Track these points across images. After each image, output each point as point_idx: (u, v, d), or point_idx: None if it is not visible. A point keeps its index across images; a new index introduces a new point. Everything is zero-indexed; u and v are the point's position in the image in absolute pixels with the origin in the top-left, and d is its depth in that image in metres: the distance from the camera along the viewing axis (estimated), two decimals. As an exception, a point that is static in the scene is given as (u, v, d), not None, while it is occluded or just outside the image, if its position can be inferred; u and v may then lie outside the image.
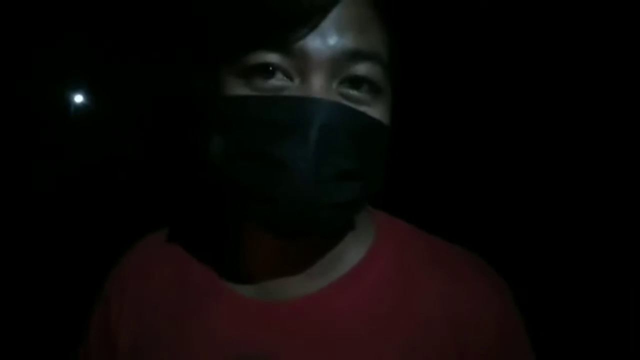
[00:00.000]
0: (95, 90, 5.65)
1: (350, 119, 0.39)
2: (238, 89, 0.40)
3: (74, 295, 3.50)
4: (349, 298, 0.46)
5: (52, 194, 5.50)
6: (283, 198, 0.38)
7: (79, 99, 5.76)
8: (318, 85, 0.38)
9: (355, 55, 0.39)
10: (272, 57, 0.39)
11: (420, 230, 0.52)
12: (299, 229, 0.41)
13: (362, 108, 0.41)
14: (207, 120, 0.44)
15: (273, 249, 0.47)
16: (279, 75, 0.40)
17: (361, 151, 0.40)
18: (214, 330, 0.47)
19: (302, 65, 0.39)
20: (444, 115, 2.86)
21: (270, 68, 0.39)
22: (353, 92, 0.40)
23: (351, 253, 0.49)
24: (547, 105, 2.69)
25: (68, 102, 5.86)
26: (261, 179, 0.39)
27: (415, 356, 0.42)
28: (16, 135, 5.94)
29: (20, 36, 4.95)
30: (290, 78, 0.40)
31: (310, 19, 0.37)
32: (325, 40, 0.38)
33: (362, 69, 0.40)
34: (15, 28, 4.88)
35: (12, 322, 3.18)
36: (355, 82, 0.40)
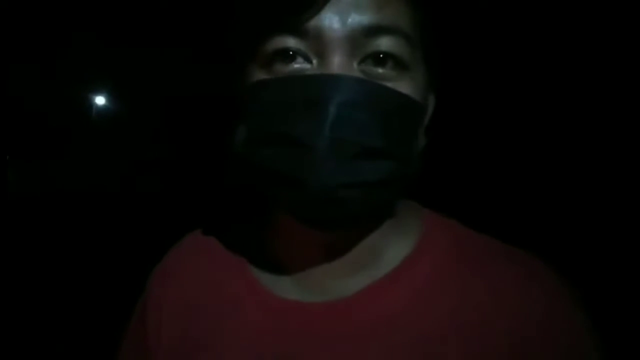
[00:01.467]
0: (117, 91, 5.67)
1: (368, 92, 0.38)
2: (260, 77, 0.40)
3: (101, 296, 3.50)
4: (391, 298, 0.44)
5: (77, 195, 5.55)
6: (302, 178, 0.37)
7: (100, 100, 5.80)
8: (336, 64, 0.37)
9: (375, 31, 0.38)
10: (289, 41, 0.39)
11: (470, 228, 0.51)
12: (324, 213, 0.39)
13: (387, 84, 0.39)
14: (231, 111, 0.44)
15: (312, 247, 0.46)
16: (299, 59, 0.39)
17: (386, 128, 0.38)
18: (253, 331, 0.46)
19: (320, 46, 0.38)
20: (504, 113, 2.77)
21: (290, 52, 0.39)
22: (376, 69, 0.39)
23: (395, 251, 0.46)
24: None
25: (90, 104, 5.90)
26: (283, 161, 0.38)
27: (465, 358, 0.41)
28: (38, 137, 6.01)
29: (42, 38, 4.97)
30: (310, 61, 0.39)
31: None
32: (342, 18, 0.38)
33: (383, 43, 0.38)
34: (37, 31, 4.89)
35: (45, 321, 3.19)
36: (378, 58, 0.38)
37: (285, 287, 0.47)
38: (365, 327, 0.43)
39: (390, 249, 0.46)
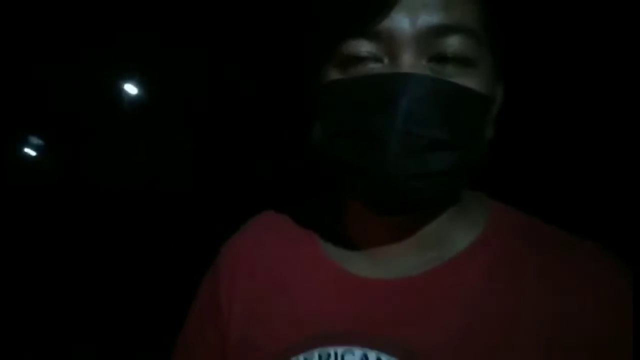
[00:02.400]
0: (149, 81, 5.64)
1: (437, 88, 0.41)
2: (335, 77, 0.44)
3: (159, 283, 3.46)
4: (458, 279, 0.45)
5: (112, 187, 5.60)
6: (375, 169, 0.41)
7: (132, 90, 5.79)
8: (406, 63, 0.41)
9: (443, 31, 0.41)
10: (363, 45, 0.42)
11: (534, 217, 0.50)
12: (394, 201, 0.43)
13: (455, 80, 0.42)
14: (309, 109, 0.48)
15: (380, 227, 0.48)
16: (371, 59, 0.42)
17: (453, 120, 0.41)
18: (322, 305, 0.48)
19: (391, 46, 0.41)
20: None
21: (364, 55, 0.42)
22: (444, 67, 0.42)
23: (462, 236, 0.48)
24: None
25: (121, 93, 5.91)
26: (356, 154, 0.42)
27: (525, 343, 0.42)
28: (71, 127, 6.09)
29: (73, 28, 4.98)
30: (381, 60, 0.42)
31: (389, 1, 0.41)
32: (411, 19, 0.41)
33: (450, 43, 0.41)
34: (67, 20, 4.91)
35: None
36: (446, 57, 0.41)
37: (355, 264, 0.49)
38: (430, 305, 0.45)
39: (458, 234, 0.48)
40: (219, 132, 5.21)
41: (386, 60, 0.41)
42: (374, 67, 0.42)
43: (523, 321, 0.42)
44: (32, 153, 6.90)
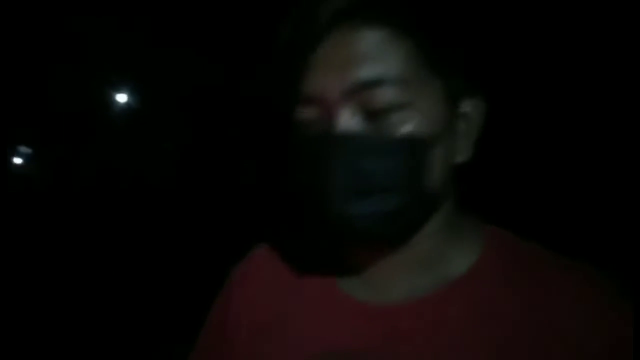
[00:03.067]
0: (140, 89, 5.69)
1: (363, 144, 0.44)
2: (295, 134, 0.49)
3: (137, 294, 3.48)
4: (459, 302, 0.47)
5: (96, 193, 5.57)
6: (323, 220, 0.45)
7: (122, 98, 5.84)
8: (339, 122, 0.44)
9: (368, 85, 0.44)
10: (302, 110, 0.47)
11: (531, 242, 0.52)
12: (352, 240, 0.47)
13: (390, 128, 0.45)
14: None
15: (377, 253, 0.51)
16: (314, 122, 0.46)
17: (386, 169, 0.45)
18: (325, 329, 0.50)
19: (324, 108, 0.45)
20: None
21: (305, 118, 0.47)
22: (377, 118, 0.45)
23: (459, 259, 0.50)
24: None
25: (111, 101, 5.94)
26: (310, 204, 0.47)
27: None
28: (61, 135, 6.07)
29: (63, 35, 5.02)
30: (322, 122, 0.46)
31: (309, 65, 0.45)
32: (337, 79, 0.44)
33: (377, 96, 0.44)
34: (58, 27, 4.95)
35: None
36: (376, 110, 0.44)
37: (358, 289, 0.51)
38: (428, 329, 0.46)
39: (453, 259, 0.50)
40: (204, 134, 5.28)
41: (326, 119, 0.45)
42: (317, 128, 0.46)
43: (514, 350, 0.44)
44: (19, 161, 6.88)
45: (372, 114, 0.44)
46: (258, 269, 0.59)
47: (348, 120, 0.44)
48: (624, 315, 0.44)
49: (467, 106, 0.49)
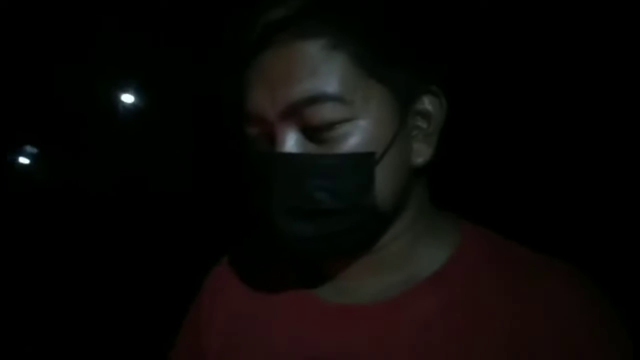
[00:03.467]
0: (146, 89, 5.69)
1: (302, 163, 0.43)
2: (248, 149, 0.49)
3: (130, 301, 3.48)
4: (430, 302, 0.47)
5: (103, 196, 5.58)
6: (279, 238, 0.45)
7: (128, 98, 5.81)
8: (280, 141, 0.44)
9: (303, 103, 0.43)
10: (248, 127, 0.47)
11: (507, 239, 0.52)
12: (306, 257, 0.49)
13: (332, 144, 0.43)
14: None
15: (339, 259, 0.51)
16: (261, 139, 0.47)
17: (330, 188, 0.43)
18: (296, 332, 0.50)
19: (264, 126, 0.46)
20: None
21: (251, 135, 0.48)
22: (320, 135, 0.44)
23: (433, 258, 0.50)
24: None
25: (116, 102, 5.92)
26: (262, 221, 0.46)
27: None
28: (64, 136, 6.08)
29: (69, 34, 5.00)
30: (268, 138, 0.46)
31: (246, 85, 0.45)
32: (271, 97, 0.43)
33: (313, 113, 0.43)
34: (64, 26, 4.93)
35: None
36: (316, 126, 0.43)
37: (327, 291, 0.51)
38: (401, 328, 0.46)
39: (427, 257, 0.50)
40: (217, 135, 5.24)
41: (267, 140, 0.46)
42: (262, 145, 0.46)
43: (488, 347, 0.43)
44: (26, 161, 6.88)
45: (313, 132, 0.43)
46: (229, 275, 0.59)
47: (288, 140, 0.44)
48: (605, 315, 0.43)
49: (423, 104, 0.47)
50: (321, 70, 0.42)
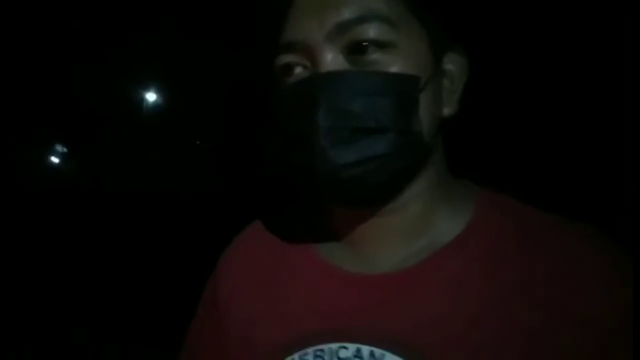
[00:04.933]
0: (168, 88, 5.70)
1: (351, 80, 0.43)
2: (279, 86, 0.48)
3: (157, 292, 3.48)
4: (447, 271, 0.46)
5: (125, 194, 5.63)
6: (314, 166, 0.43)
7: (151, 97, 5.88)
8: (323, 64, 0.43)
9: (352, 24, 0.42)
10: (285, 57, 0.45)
11: (526, 204, 0.50)
12: (341, 191, 0.45)
13: (375, 67, 0.43)
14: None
15: (363, 222, 0.50)
16: (297, 68, 0.45)
17: (375, 107, 0.43)
18: (317, 304, 0.50)
19: (307, 52, 0.44)
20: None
21: (289, 66, 0.46)
22: (363, 57, 0.42)
23: (450, 224, 0.48)
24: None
25: (141, 100, 6.00)
26: (296, 155, 0.45)
27: (517, 331, 0.42)
28: (89, 135, 6.18)
29: (93, 35, 5.05)
30: (306, 66, 0.45)
31: (283, 10, 0.45)
32: (318, 22, 0.43)
33: (361, 31, 0.42)
34: (88, 27, 4.99)
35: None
36: (361, 47, 0.42)
37: (345, 261, 0.50)
38: (419, 297, 0.46)
39: (445, 223, 0.49)
40: (239, 131, 5.24)
41: (309, 65, 0.44)
42: (302, 73, 0.45)
43: (513, 311, 0.42)
44: (55, 160, 7.05)
45: (358, 54, 0.43)
46: (244, 250, 0.59)
47: (333, 61, 0.43)
48: (625, 275, 0.43)
49: (450, 62, 0.48)
50: None
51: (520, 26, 2.50)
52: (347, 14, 0.42)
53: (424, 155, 0.47)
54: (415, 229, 0.48)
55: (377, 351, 0.45)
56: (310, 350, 0.47)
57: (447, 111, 0.47)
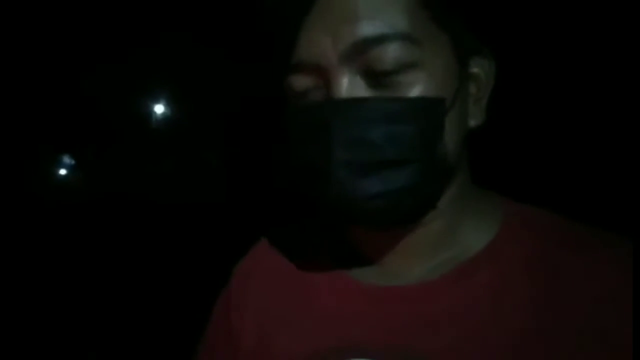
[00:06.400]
0: (176, 100, 5.74)
1: (368, 108, 0.40)
2: (289, 109, 0.45)
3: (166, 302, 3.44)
4: (471, 286, 0.44)
5: (137, 204, 5.65)
6: (326, 199, 0.41)
7: (160, 109, 5.90)
8: (339, 88, 0.40)
9: (368, 44, 0.39)
10: (297, 79, 0.42)
11: (555, 214, 0.48)
12: (364, 220, 0.43)
13: (397, 90, 0.40)
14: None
15: (385, 236, 0.48)
16: (312, 90, 0.42)
17: (395, 136, 0.40)
18: (337, 318, 0.47)
19: (320, 74, 0.41)
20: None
21: (300, 89, 0.42)
22: (383, 79, 0.40)
23: (476, 237, 0.46)
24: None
25: (149, 112, 6.02)
26: (310, 185, 0.43)
27: (542, 347, 0.41)
28: (98, 147, 6.21)
29: (102, 46, 5.09)
30: (321, 87, 0.42)
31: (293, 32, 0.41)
32: (332, 40, 0.39)
33: (379, 55, 0.39)
34: (95, 38, 5.02)
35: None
36: (380, 69, 0.39)
37: (366, 274, 0.48)
38: (443, 312, 0.44)
39: (470, 236, 0.47)
40: (248, 144, 5.23)
41: (323, 87, 0.41)
42: (314, 96, 0.41)
43: (535, 336, 0.40)
44: (63, 172, 7.07)
45: (377, 77, 0.40)
46: (260, 264, 0.57)
47: (349, 85, 0.40)
48: None
49: (477, 66, 0.45)
50: (387, 9, 0.39)
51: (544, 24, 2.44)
52: (364, 31, 0.39)
53: (449, 178, 0.45)
54: (440, 242, 0.47)
55: None
56: None
57: (473, 122, 0.45)
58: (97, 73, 5.30)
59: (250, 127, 5.13)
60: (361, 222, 0.43)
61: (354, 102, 0.39)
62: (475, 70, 0.45)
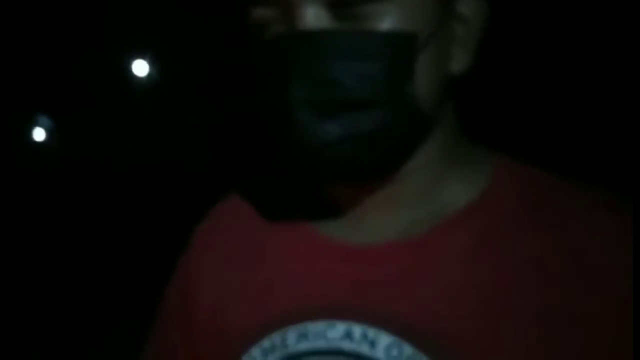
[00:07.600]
0: (157, 59, 5.59)
1: (332, 42, 0.38)
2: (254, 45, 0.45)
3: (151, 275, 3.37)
4: (461, 237, 0.43)
5: (117, 176, 5.51)
6: (292, 143, 0.40)
7: (142, 69, 5.64)
8: (302, 19, 0.38)
9: None
10: (259, 11, 0.41)
11: (547, 172, 0.47)
12: (330, 170, 0.42)
13: (365, 22, 0.38)
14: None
15: (360, 190, 0.47)
16: (274, 24, 0.40)
17: (364, 75, 0.38)
18: (302, 277, 0.46)
19: (284, 6, 0.39)
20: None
21: (263, 20, 0.41)
22: (351, 9, 0.38)
23: (460, 192, 0.45)
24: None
25: (129, 72, 5.75)
26: (273, 127, 0.41)
27: (533, 308, 0.41)
28: (77, 109, 5.95)
29: (80, 5, 4.82)
30: (284, 22, 0.40)
31: None
32: None
33: None
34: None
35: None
36: (345, 2, 0.38)
37: (338, 230, 0.47)
38: (419, 272, 0.44)
39: (454, 191, 0.46)
40: (236, 109, 5.04)
41: (285, 21, 0.39)
42: (277, 31, 0.40)
43: (522, 285, 0.40)
44: (41, 137, 6.78)
45: (344, 7, 0.38)
46: (220, 223, 0.55)
47: (311, 15, 0.38)
48: None
49: (464, 6, 0.43)
50: None
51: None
52: None
53: (426, 126, 0.43)
54: (418, 198, 0.45)
55: (371, 331, 0.41)
56: (292, 329, 0.43)
57: (457, 67, 0.43)
58: (76, 31, 5.01)
59: (236, 89, 4.94)
60: (327, 171, 0.42)
61: (316, 35, 0.38)
62: (462, 9, 0.43)
